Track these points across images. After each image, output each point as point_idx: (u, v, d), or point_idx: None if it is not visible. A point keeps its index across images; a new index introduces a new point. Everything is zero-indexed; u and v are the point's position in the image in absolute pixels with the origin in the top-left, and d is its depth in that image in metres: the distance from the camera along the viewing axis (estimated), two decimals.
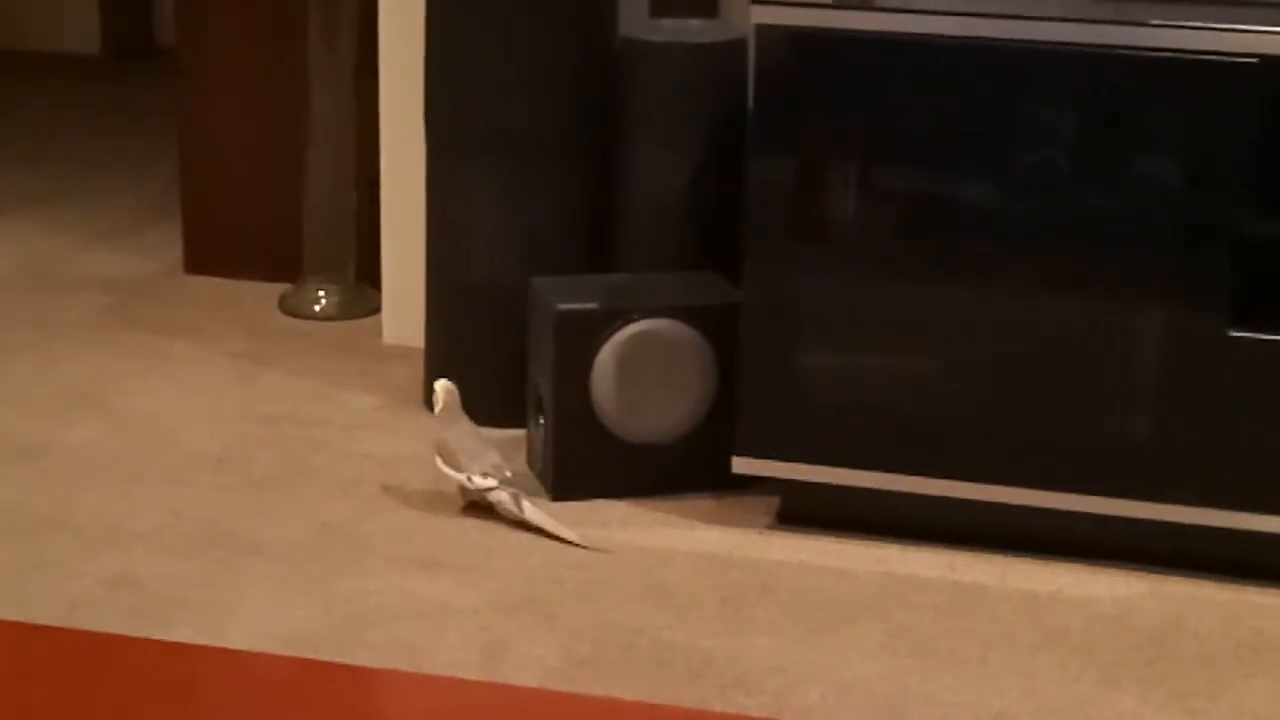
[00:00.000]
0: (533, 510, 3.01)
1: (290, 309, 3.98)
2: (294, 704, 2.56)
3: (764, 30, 2.90)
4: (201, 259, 4.16)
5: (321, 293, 3.98)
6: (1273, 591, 2.86)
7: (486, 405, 3.39)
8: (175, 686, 2.59)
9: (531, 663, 2.64)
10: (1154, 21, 2.78)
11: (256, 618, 2.74)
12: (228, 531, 3.00)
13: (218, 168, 4.13)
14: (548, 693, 2.56)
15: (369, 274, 3.94)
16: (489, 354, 3.40)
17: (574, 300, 3.13)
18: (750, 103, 3.03)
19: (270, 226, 4.09)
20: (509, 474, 3.06)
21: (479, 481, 3.02)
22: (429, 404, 3.46)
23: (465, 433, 3.10)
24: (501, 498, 3.02)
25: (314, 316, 3.95)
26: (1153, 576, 2.90)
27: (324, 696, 2.56)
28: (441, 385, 3.13)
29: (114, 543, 2.95)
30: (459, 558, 2.93)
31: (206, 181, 4.14)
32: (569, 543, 2.96)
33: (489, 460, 3.05)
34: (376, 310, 3.90)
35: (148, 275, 4.16)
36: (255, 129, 4.09)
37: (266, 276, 4.08)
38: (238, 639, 2.68)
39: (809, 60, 2.91)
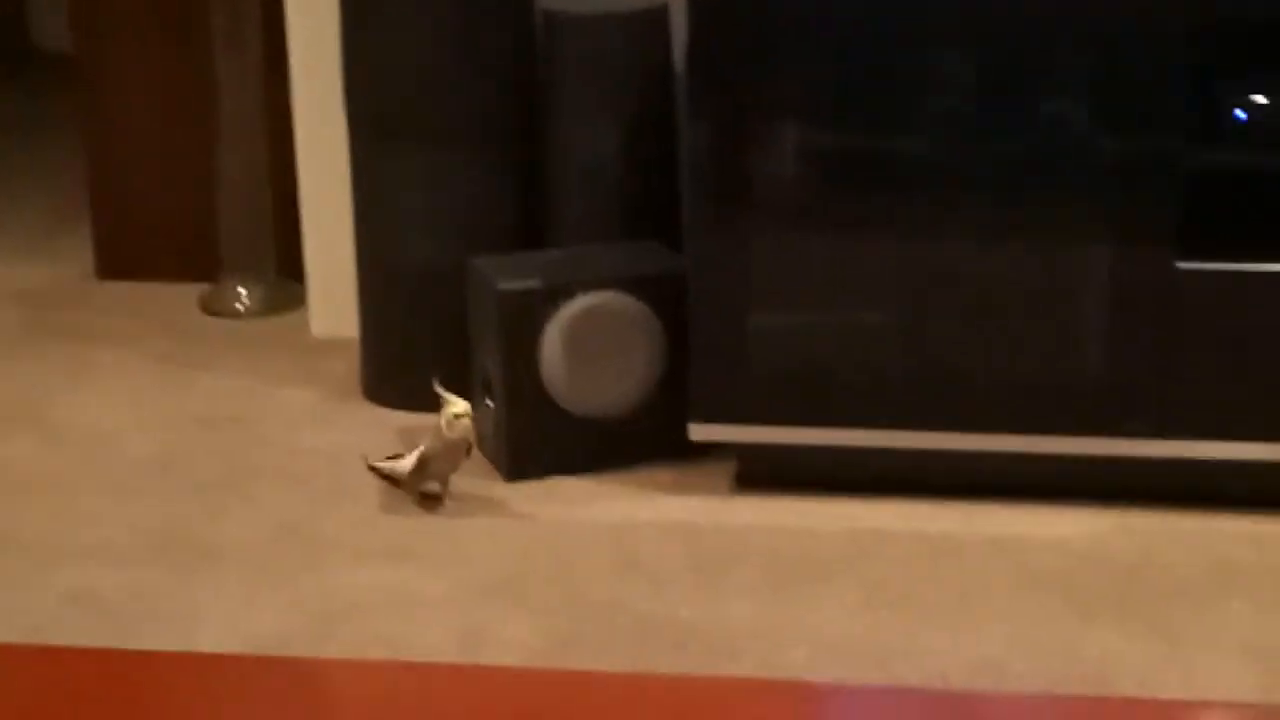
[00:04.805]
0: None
1: (212, 309, 3.91)
2: (276, 702, 2.51)
3: None
4: (115, 264, 4.06)
5: (243, 290, 3.91)
6: (1235, 518, 2.90)
7: (429, 389, 3.35)
8: (155, 696, 2.53)
9: (513, 646, 2.61)
10: None
11: (225, 622, 2.68)
12: (182, 538, 2.94)
13: (126, 170, 4.03)
14: (538, 671, 2.53)
15: (290, 268, 3.88)
16: (427, 339, 3.35)
17: (516, 279, 3.10)
18: (680, 68, 3.01)
19: (184, 226, 4.01)
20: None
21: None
22: (370, 396, 3.43)
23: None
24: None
25: (237, 315, 3.88)
26: (1117, 512, 2.92)
27: (307, 692, 2.52)
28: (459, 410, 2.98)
29: (66, 558, 2.87)
30: (424, 546, 2.90)
31: (115, 184, 4.04)
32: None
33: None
34: (301, 304, 3.84)
35: (60, 284, 4.06)
36: (162, 128, 4.00)
37: (184, 277, 4.00)
38: (208, 645, 2.62)
39: (740, 21, 2.89)
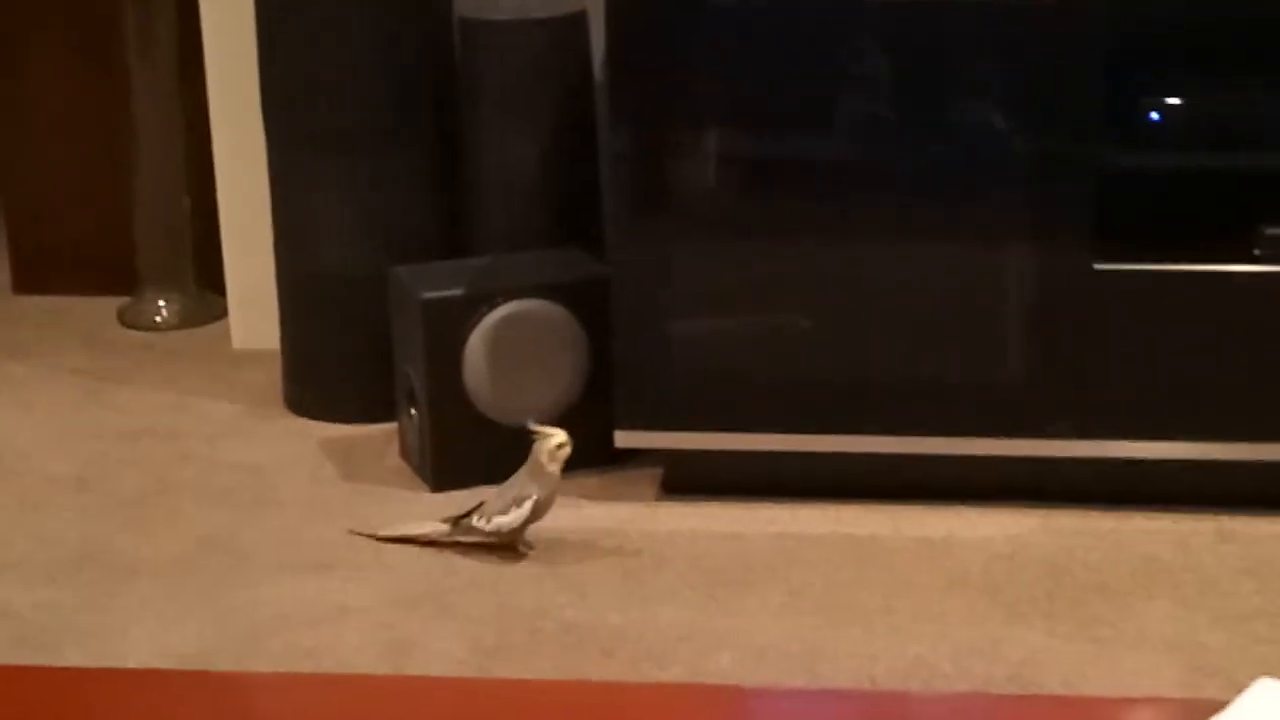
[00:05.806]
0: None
1: (131, 321, 3.86)
2: (201, 718, 2.48)
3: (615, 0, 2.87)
4: (31, 278, 4.01)
5: (162, 303, 3.87)
6: (1155, 515, 2.92)
7: (351, 400, 3.34)
8: (76, 714, 2.49)
9: (439, 656, 2.59)
10: None
11: (147, 638, 2.65)
12: (102, 553, 2.90)
13: (41, 182, 3.98)
14: (465, 681, 2.51)
15: (209, 279, 3.85)
16: (349, 348, 3.33)
17: (438, 288, 3.08)
18: (600, 74, 3.00)
19: (101, 239, 3.96)
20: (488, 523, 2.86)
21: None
22: (292, 407, 3.40)
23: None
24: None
25: (156, 327, 3.85)
26: (1040, 511, 2.94)
27: (233, 707, 2.48)
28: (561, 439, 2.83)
29: None
30: (347, 558, 2.87)
31: (30, 197, 4.00)
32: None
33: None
34: (221, 316, 3.80)
35: None
36: (78, 141, 3.95)
37: (102, 291, 3.95)
38: (132, 661, 2.59)
39: (659, 26, 2.89)
